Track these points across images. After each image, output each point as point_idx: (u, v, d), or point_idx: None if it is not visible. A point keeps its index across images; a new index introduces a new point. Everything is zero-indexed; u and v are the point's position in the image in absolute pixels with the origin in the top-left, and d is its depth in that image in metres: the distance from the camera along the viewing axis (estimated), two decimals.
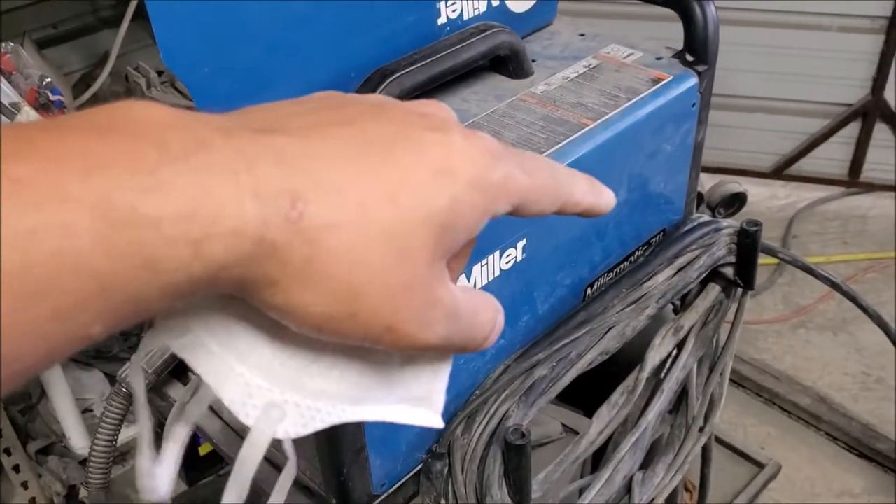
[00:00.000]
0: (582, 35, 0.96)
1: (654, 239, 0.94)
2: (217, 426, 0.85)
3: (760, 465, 1.57)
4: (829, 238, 2.38)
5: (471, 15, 0.88)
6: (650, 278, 0.88)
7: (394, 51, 0.82)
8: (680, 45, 0.90)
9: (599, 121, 0.81)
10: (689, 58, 0.88)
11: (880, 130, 2.31)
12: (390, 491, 0.78)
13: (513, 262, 0.76)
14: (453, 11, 0.86)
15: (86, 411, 1.82)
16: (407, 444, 0.76)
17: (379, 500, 0.78)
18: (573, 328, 0.82)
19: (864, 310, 1.15)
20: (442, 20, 0.85)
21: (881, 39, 2.18)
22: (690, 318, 0.94)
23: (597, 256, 0.87)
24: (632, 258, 0.92)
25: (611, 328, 0.83)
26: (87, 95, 1.64)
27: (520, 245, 0.76)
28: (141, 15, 1.76)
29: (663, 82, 0.86)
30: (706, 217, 0.97)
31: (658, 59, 0.90)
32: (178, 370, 0.86)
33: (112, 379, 1.88)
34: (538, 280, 0.80)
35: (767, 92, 2.30)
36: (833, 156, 2.44)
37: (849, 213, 2.44)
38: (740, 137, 2.38)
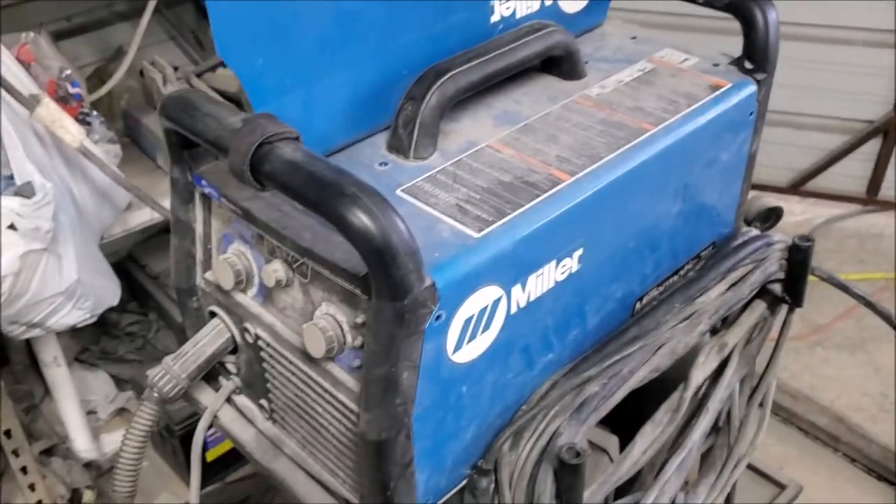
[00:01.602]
0: (634, 38, 0.93)
1: (704, 252, 0.91)
2: (251, 434, 0.81)
3: (782, 486, 1.53)
4: (846, 256, 2.35)
5: (524, 13, 0.85)
6: (703, 294, 0.84)
7: (446, 48, 0.78)
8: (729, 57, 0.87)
9: (660, 126, 0.78)
10: (748, 65, 0.85)
11: None
12: None
13: (568, 272, 0.72)
14: (507, 9, 0.83)
15: (90, 413, 1.78)
16: (453, 458, 0.72)
17: None
18: (625, 344, 0.79)
19: None
20: (495, 18, 0.82)
21: None
22: (735, 334, 0.91)
23: (648, 268, 0.84)
24: (681, 271, 0.89)
25: (663, 345, 0.80)
26: (103, 90, 1.60)
27: (576, 255, 0.72)
28: (156, 10, 1.73)
29: (723, 89, 0.83)
30: (756, 231, 0.94)
31: (715, 65, 0.87)
32: (209, 376, 0.82)
33: (117, 381, 1.84)
34: (591, 292, 0.77)
35: (789, 106, 2.27)
36: (852, 173, 2.41)
37: (866, 231, 2.42)
38: (759, 151, 2.34)
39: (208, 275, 0.79)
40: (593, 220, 0.72)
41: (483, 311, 0.66)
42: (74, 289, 1.34)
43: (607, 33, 0.94)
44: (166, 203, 1.45)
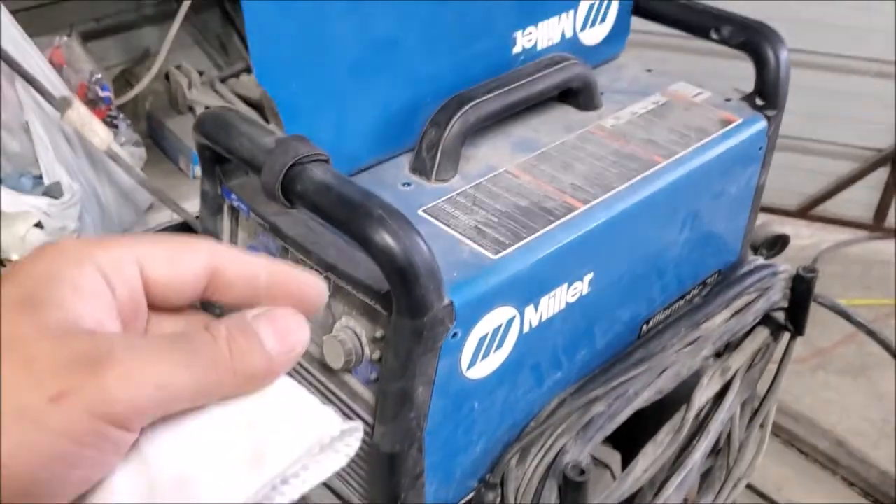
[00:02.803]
0: (649, 71, 0.96)
1: (709, 279, 0.94)
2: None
3: None
4: (851, 281, 2.38)
5: (545, 45, 0.88)
6: (708, 320, 0.87)
7: (469, 77, 0.82)
8: (744, 82, 0.91)
9: (671, 159, 0.81)
10: (759, 101, 0.88)
11: None
12: None
13: (578, 295, 0.76)
14: (528, 41, 0.86)
15: None
16: (461, 471, 0.76)
17: None
18: (631, 365, 0.82)
19: None
20: (517, 50, 0.86)
21: None
22: (738, 359, 0.94)
23: (656, 293, 0.87)
24: (687, 296, 0.92)
25: (667, 368, 0.83)
26: (131, 94, 1.64)
27: (587, 279, 0.75)
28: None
29: (733, 124, 0.86)
30: (762, 260, 0.97)
31: (727, 100, 0.91)
32: None
33: None
34: (599, 314, 0.80)
35: (799, 132, 2.30)
36: (859, 199, 2.44)
37: (872, 258, 2.44)
38: (770, 174, 2.37)
39: None
40: (604, 246, 0.76)
41: (497, 329, 0.69)
42: None
43: (623, 65, 0.98)
44: (187, 205, 1.50)
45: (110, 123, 1.43)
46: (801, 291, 0.94)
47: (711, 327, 0.87)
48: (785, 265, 0.96)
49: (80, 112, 1.30)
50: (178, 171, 1.78)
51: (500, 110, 0.79)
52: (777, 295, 0.92)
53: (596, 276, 0.76)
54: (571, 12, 0.89)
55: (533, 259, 0.70)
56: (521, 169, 0.79)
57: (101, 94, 1.41)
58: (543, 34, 0.87)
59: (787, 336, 0.99)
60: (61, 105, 1.28)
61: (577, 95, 0.87)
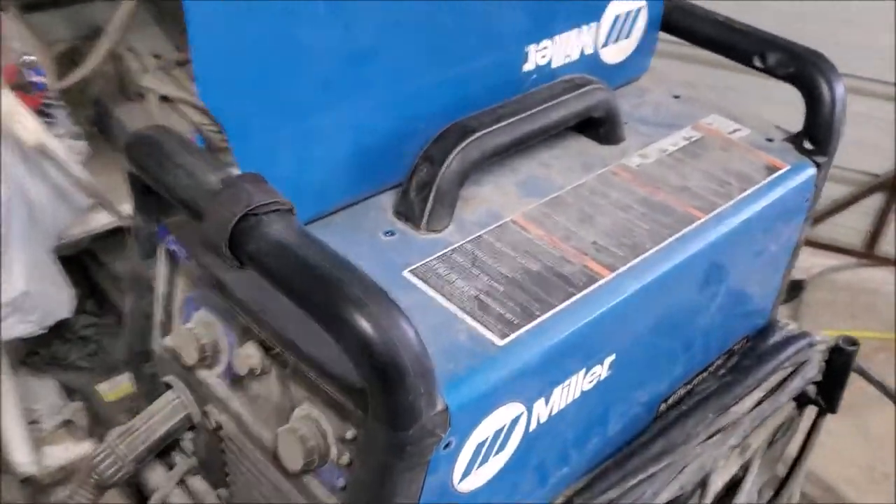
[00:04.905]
0: (677, 97, 0.82)
1: (737, 346, 0.80)
2: None
3: None
4: (839, 309, 2.28)
5: (561, 63, 0.73)
6: (737, 402, 0.74)
7: (471, 99, 0.67)
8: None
9: (711, 213, 0.67)
10: (808, 145, 0.75)
11: None
12: None
13: (596, 380, 0.61)
14: (542, 57, 0.71)
15: (32, 423, 1.64)
16: None
17: None
18: (650, 460, 0.68)
19: None
20: (528, 66, 0.71)
21: None
22: (759, 436, 0.81)
23: (678, 369, 0.73)
24: (711, 368, 0.78)
25: (690, 463, 0.69)
26: (73, 78, 1.45)
27: (607, 361, 0.61)
28: None
29: (780, 172, 0.72)
30: (793, 326, 0.84)
31: (769, 140, 0.77)
32: (162, 453, 0.70)
33: (66, 389, 1.70)
34: (616, 398, 0.66)
35: None
36: (852, 224, 2.33)
37: (860, 286, 2.34)
38: None
39: (168, 340, 0.67)
40: (631, 322, 0.61)
41: (500, 431, 0.55)
42: (21, 301, 1.21)
43: (647, 88, 0.83)
44: (127, 208, 1.33)
45: (44, 113, 1.25)
46: (839, 364, 0.81)
47: (741, 412, 0.74)
48: (821, 335, 0.83)
49: (7, 101, 1.12)
50: None
51: (508, 144, 0.65)
52: (813, 370, 0.79)
53: (618, 358, 0.62)
54: (594, 24, 0.74)
55: (548, 344, 0.55)
56: (531, 219, 0.64)
57: (34, 78, 1.23)
58: (560, 50, 0.72)
59: (816, 412, 0.86)
60: None
61: (598, 126, 0.73)
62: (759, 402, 0.75)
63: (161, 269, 0.65)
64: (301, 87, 0.57)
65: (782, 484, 0.88)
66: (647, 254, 0.62)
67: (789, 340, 0.79)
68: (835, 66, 0.73)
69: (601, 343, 0.59)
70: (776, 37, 0.75)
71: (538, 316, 0.56)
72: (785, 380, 0.77)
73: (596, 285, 0.59)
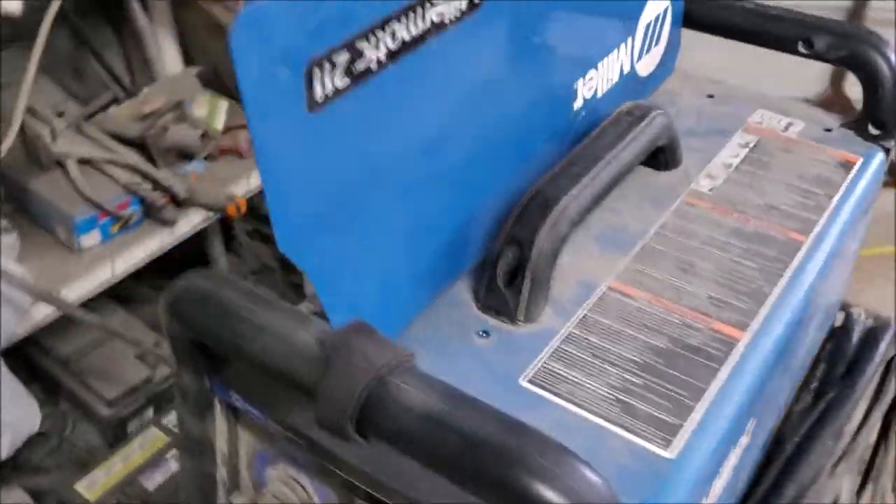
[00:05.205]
0: (711, 96, 0.75)
1: (821, 351, 0.75)
2: None
3: None
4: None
5: (605, 89, 0.65)
6: (849, 420, 0.68)
7: (529, 157, 0.58)
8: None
9: (812, 234, 0.61)
10: (874, 130, 0.69)
11: None
12: None
13: (741, 452, 0.55)
14: (589, 91, 0.63)
15: None
16: None
17: None
18: None
19: None
20: (577, 104, 0.63)
21: None
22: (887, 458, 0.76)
23: (783, 399, 0.67)
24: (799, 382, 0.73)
25: (826, 500, 0.64)
26: None
27: (749, 428, 0.55)
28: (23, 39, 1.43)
29: (856, 167, 0.67)
30: (865, 316, 0.79)
31: (827, 130, 0.71)
32: None
33: (36, 496, 1.54)
34: (749, 459, 0.60)
35: None
36: None
37: None
38: None
39: (236, 498, 0.57)
40: (769, 379, 0.55)
41: None
42: None
43: (676, 92, 0.76)
44: (75, 286, 1.22)
45: None
46: None
47: (852, 430, 0.69)
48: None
49: None
50: (57, 242, 1.45)
51: (591, 205, 0.56)
52: None
53: (757, 420, 0.55)
54: (629, 39, 0.67)
55: (715, 441, 0.48)
56: (628, 282, 0.57)
57: None
58: (604, 76, 0.64)
59: None
60: None
61: (658, 153, 0.65)
62: (868, 413, 0.70)
63: (219, 424, 0.54)
64: (381, 204, 0.48)
65: (866, 478, 0.84)
66: (770, 299, 0.55)
67: (874, 334, 0.75)
68: (890, 42, 0.68)
69: (750, 412, 0.53)
70: (821, 18, 0.69)
71: (692, 407, 0.49)
72: (883, 380, 0.72)
73: (736, 352, 0.52)
